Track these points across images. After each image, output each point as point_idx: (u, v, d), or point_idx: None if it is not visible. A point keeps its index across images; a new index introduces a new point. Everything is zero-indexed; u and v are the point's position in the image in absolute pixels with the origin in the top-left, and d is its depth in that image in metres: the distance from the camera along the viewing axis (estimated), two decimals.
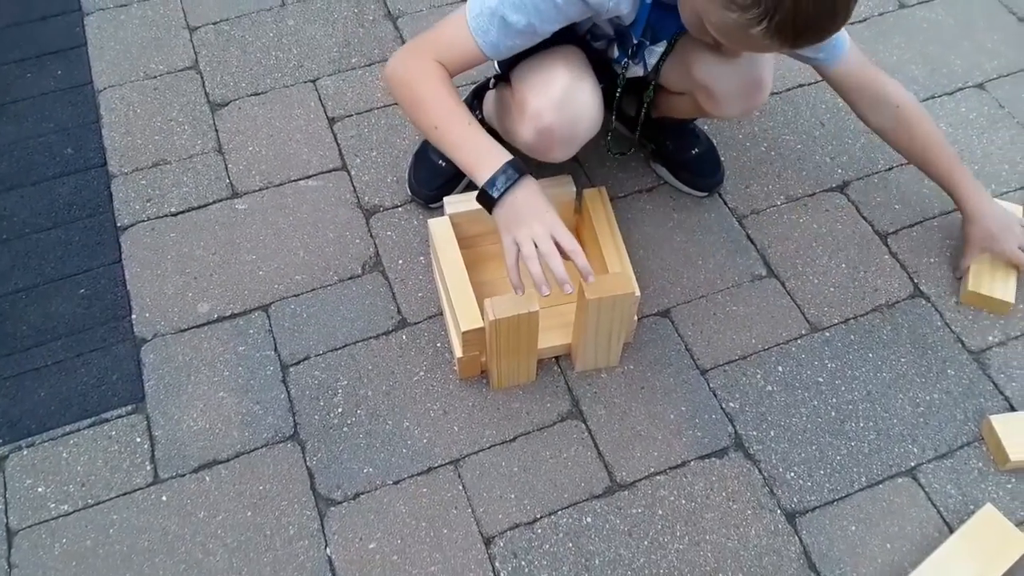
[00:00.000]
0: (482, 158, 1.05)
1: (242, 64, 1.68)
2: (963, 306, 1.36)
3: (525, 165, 1.06)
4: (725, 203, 1.49)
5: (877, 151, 1.55)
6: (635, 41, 1.16)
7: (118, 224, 1.46)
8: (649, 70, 1.24)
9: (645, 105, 1.33)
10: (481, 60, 1.10)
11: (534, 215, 1.03)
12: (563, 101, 1.09)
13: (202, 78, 1.66)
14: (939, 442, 1.23)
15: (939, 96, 1.64)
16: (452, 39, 1.08)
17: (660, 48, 1.20)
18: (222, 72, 1.67)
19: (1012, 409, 1.26)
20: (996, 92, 1.64)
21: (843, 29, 1.13)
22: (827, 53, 1.22)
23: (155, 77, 1.66)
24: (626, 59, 1.20)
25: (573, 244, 1.04)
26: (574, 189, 1.33)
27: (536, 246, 1.03)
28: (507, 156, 1.05)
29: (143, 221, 1.46)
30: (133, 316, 1.35)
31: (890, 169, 1.53)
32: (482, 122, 1.38)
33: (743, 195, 1.50)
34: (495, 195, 1.03)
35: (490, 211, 1.05)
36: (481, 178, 1.04)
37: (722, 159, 1.51)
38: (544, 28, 1.07)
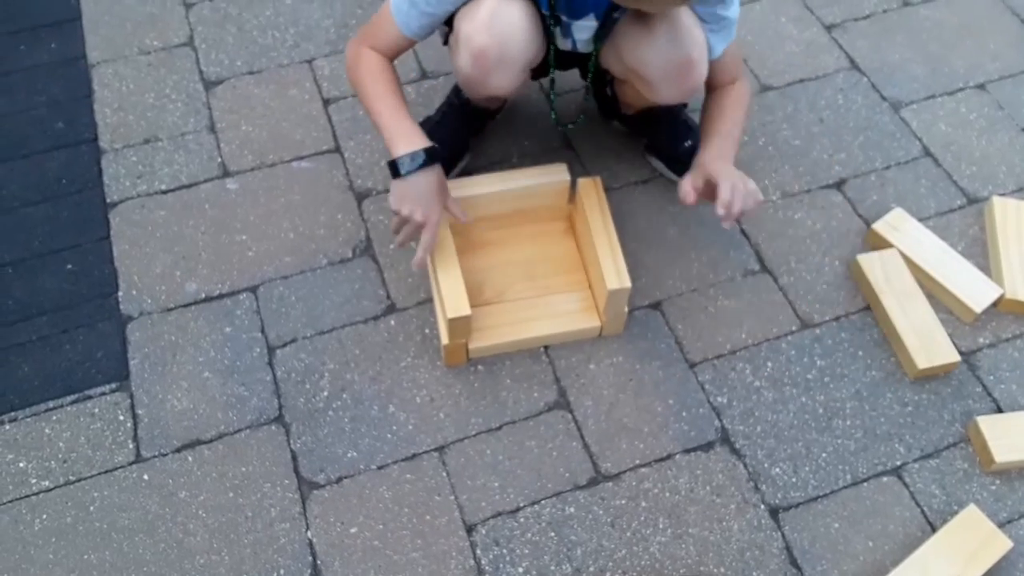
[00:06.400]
0: (401, 137, 1.16)
1: (238, 42, 1.67)
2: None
3: (439, 155, 1.17)
4: None
5: (875, 149, 1.54)
6: (544, 11, 1.17)
7: (107, 200, 1.45)
8: (578, 47, 1.25)
9: (588, 82, 1.36)
10: (407, 42, 1.21)
11: (420, 203, 1.16)
12: (491, 21, 1.12)
13: (197, 55, 1.64)
14: (925, 442, 1.23)
15: (939, 96, 1.63)
16: (380, 27, 1.21)
17: (589, 23, 1.20)
18: (217, 50, 1.65)
19: (1000, 411, 1.25)
20: (997, 94, 1.63)
21: (727, 39, 1.20)
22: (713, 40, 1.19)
23: (149, 53, 1.65)
24: (553, 25, 1.20)
25: (429, 243, 1.18)
26: (568, 177, 1.32)
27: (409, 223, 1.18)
28: (426, 143, 1.16)
29: (133, 198, 1.45)
30: (120, 293, 1.34)
31: (887, 168, 1.52)
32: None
33: None
34: (402, 171, 1.15)
35: (394, 178, 1.17)
36: (395, 153, 1.16)
37: None
38: (444, 4, 1.15)
